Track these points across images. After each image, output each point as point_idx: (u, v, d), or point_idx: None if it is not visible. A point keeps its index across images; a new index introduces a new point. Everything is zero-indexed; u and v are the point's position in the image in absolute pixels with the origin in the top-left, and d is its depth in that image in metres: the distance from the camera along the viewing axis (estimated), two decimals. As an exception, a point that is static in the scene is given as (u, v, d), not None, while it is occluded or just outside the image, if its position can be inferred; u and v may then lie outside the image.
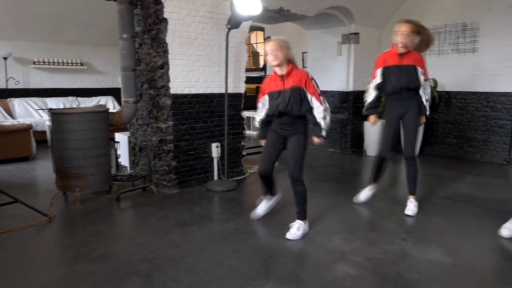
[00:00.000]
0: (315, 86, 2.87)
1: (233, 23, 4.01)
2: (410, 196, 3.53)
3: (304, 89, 2.84)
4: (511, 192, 4.21)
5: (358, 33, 6.10)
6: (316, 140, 2.93)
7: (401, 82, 3.34)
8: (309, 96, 2.85)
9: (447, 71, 5.94)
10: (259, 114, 3.09)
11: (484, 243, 2.88)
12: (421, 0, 6.15)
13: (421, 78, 3.34)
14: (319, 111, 2.86)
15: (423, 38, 3.37)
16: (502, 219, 3.11)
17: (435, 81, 5.89)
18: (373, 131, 5.96)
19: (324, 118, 2.87)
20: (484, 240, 2.93)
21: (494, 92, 5.59)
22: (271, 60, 2.81)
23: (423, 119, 3.53)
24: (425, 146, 6.22)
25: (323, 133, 2.89)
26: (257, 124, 3.17)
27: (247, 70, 8.26)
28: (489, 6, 5.49)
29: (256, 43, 9.32)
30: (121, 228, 3.26)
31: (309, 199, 3.03)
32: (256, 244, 2.83)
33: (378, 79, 3.48)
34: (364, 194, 3.77)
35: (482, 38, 5.62)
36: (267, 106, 3.00)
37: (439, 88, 6.02)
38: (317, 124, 2.88)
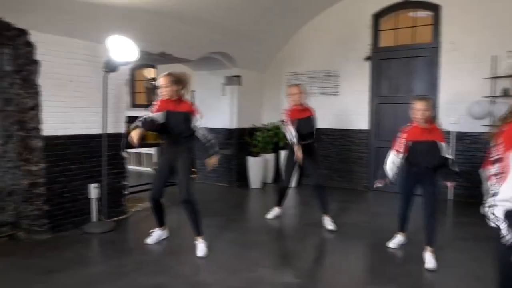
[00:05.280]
0: None
1: (110, 67, 4.14)
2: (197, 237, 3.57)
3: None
4: (363, 215, 4.95)
5: (240, 76, 6.65)
6: None
7: (175, 130, 3.48)
8: None
9: (317, 111, 6.73)
10: None
11: (336, 264, 3.38)
12: (292, 50, 7.00)
13: (197, 122, 3.51)
14: None
15: (185, 85, 3.57)
16: (353, 241, 3.68)
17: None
18: (256, 166, 6.51)
19: None
20: (335, 260, 3.44)
21: (354, 129, 6.54)
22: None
23: (213, 160, 3.61)
24: (302, 177, 6.90)
25: None
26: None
27: (140, 106, 8.27)
28: (346, 57, 6.51)
29: (153, 79, 9.40)
30: (-23, 282, 3.04)
31: (184, 232, 3.21)
32: (126, 286, 2.90)
33: (160, 118, 3.44)
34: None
35: (342, 83, 6.59)
36: None
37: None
38: None
